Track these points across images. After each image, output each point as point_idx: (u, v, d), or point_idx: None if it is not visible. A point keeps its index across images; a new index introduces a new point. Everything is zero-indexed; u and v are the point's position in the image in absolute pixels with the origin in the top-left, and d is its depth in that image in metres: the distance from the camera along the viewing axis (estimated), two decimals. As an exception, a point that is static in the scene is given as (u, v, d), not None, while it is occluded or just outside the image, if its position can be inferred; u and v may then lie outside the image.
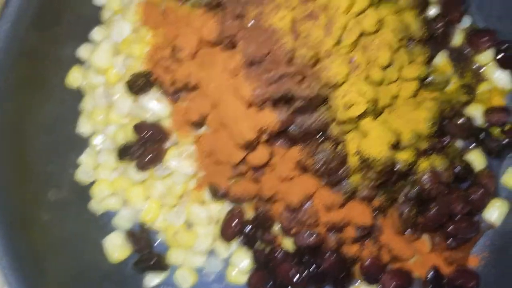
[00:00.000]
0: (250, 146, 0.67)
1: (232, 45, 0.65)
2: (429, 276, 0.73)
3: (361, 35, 0.67)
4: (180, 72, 0.69)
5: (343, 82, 0.64)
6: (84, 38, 0.82)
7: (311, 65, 0.63)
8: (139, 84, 0.72)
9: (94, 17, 0.83)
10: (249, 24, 0.63)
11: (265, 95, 0.62)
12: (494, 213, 0.78)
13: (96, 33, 0.81)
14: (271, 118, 0.63)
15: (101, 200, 0.80)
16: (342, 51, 0.66)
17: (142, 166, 0.74)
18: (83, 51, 0.81)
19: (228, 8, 0.64)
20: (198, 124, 0.72)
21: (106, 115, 0.79)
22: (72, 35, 0.81)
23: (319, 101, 0.63)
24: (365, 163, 0.68)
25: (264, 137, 0.66)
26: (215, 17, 0.67)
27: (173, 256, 0.78)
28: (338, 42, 0.65)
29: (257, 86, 0.62)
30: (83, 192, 0.81)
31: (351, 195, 0.70)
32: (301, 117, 0.65)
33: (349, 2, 0.64)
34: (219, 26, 0.65)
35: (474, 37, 0.83)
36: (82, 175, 0.81)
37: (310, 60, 0.62)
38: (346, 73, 0.64)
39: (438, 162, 0.72)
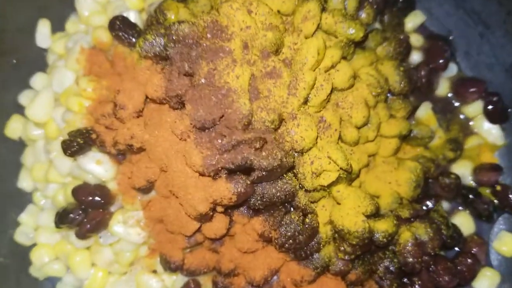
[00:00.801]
0: (205, 218, 0.58)
1: (180, 104, 0.57)
2: None
3: (332, 92, 0.59)
4: (122, 132, 0.60)
5: (311, 147, 0.56)
6: (26, 83, 0.74)
7: (272, 130, 0.55)
8: (75, 145, 0.62)
9: (38, 61, 0.75)
10: (200, 81, 0.55)
11: (218, 164, 0.53)
12: (485, 284, 0.70)
13: (37, 80, 0.73)
14: (227, 190, 0.54)
15: (42, 266, 0.71)
16: (311, 111, 0.58)
17: (83, 235, 0.65)
18: (24, 98, 0.73)
19: (176, 63, 0.56)
20: (145, 189, 0.63)
21: (47, 172, 0.70)
22: (13, 81, 0.74)
23: (282, 170, 0.55)
24: (339, 234, 0.60)
25: (220, 208, 0.58)
26: (162, 72, 0.58)
27: (122, 333, 0.69)
28: (305, 102, 0.57)
29: (209, 154, 0.53)
30: (25, 255, 0.72)
31: (323, 270, 0.62)
32: (262, 187, 0.56)
33: (317, 57, 0.56)
34: (166, 83, 0.57)
35: (461, 87, 0.77)
36: (22, 236, 0.73)
37: (272, 124, 0.54)
38: (315, 136, 0.56)
39: (421, 230, 0.64)
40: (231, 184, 0.54)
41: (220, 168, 0.53)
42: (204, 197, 0.55)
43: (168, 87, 0.55)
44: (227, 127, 0.53)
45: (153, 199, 0.64)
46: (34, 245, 0.72)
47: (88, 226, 0.64)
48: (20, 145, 0.74)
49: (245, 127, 0.53)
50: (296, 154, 0.57)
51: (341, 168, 0.56)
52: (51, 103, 0.68)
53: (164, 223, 0.63)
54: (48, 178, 0.69)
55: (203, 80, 0.54)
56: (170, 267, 0.64)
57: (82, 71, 0.67)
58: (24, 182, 0.73)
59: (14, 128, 0.73)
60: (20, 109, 0.74)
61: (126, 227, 0.65)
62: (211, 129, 0.54)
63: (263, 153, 0.53)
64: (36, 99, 0.69)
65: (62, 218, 0.65)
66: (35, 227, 0.72)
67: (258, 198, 0.56)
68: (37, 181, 0.71)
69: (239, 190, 0.54)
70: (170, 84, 0.55)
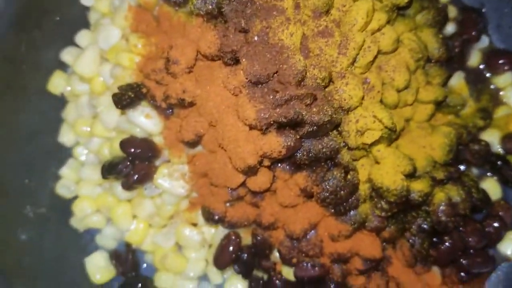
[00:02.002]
0: (251, 171, 0.61)
1: (234, 61, 0.59)
2: (438, 313, 0.68)
3: (377, 54, 0.61)
4: (174, 87, 0.62)
5: (357, 106, 0.59)
6: (68, 40, 0.76)
7: (323, 87, 0.57)
8: (127, 99, 0.64)
9: (80, 19, 0.77)
10: (254, 39, 0.56)
11: (271, 118, 0.55)
12: (510, 246, 0.73)
13: (82, 37, 0.74)
14: (277, 143, 0.56)
15: (83, 218, 0.74)
16: (357, 71, 0.60)
17: (129, 186, 0.68)
18: (67, 55, 0.75)
19: (231, 20, 0.58)
20: (193, 143, 0.65)
21: (91, 126, 0.72)
22: (55, 38, 0.76)
23: (331, 126, 0.57)
24: (377, 193, 0.63)
25: (267, 162, 0.60)
26: (216, 29, 0.60)
27: (161, 281, 0.73)
28: (352, 62, 0.59)
29: (262, 108, 0.55)
30: (64, 208, 0.75)
31: (359, 226, 0.65)
32: (309, 143, 0.58)
33: (366, 19, 0.59)
34: (220, 39, 0.59)
35: (492, 58, 0.79)
36: (63, 189, 0.75)
37: (322, 82, 0.56)
38: (361, 96, 0.58)
39: (454, 193, 0.67)
40: (281, 138, 0.57)
41: (272, 122, 0.56)
42: (254, 150, 0.58)
43: (224, 43, 0.57)
44: (280, 83, 0.55)
45: (198, 154, 0.66)
46: (74, 197, 0.75)
47: (136, 177, 0.66)
48: (60, 101, 0.76)
49: (298, 83, 0.55)
50: (342, 113, 0.59)
51: (386, 127, 0.59)
52: (97, 59, 0.70)
53: (208, 177, 0.65)
54: (93, 132, 0.71)
55: (256, 38, 0.56)
56: (213, 219, 0.67)
57: (129, 29, 0.69)
58: (65, 137, 0.76)
59: (57, 83, 0.75)
60: (61, 66, 0.76)
61: (171, 180, 0.67)
62: (264, 85, 0.56)
63: (314, 109, 0.55)
64: (83, 54, 0.71)
65: (110, 169, 0.67)
66: (76, 180, 0.75)
67: (305, 153, 0.59)
68: (80, 136, 0.74)
69: (288, 143, 0.57)
70: (225, 40, 0.57)
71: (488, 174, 0.75)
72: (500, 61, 0.78)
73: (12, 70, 0.72)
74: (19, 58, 0.72)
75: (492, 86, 0.79)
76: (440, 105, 0.71)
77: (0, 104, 0.70)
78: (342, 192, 0.61)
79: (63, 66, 0.76)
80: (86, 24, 0.76)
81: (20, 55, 0.72)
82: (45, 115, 0.75)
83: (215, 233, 0.71)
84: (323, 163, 0.61)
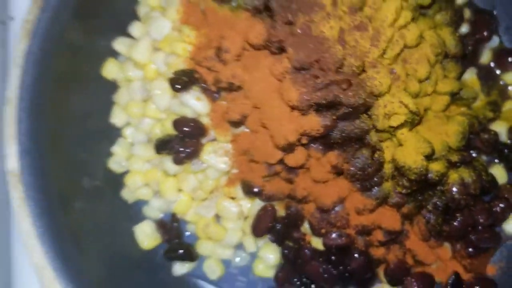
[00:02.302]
0: (289, 148, 0.69)
1: (279, 50, 0.67)
2: (449, 281, 0.76)
3: (403, 48, 0.70)
4: (224, 72, 0.70)
5: (386, 92, 0.67)
6: (120, 31, 0.83)
7: (357, 74, 0.65)
8: (181, 82, 0.73)
9: (130, 12, 0.84)
10: (299, 31, 0.65)
11: (312, 100, 0.64)
12: (514, 225, 0.81)
13: (135, 28, 0.82)
14: (315, 123, 0.65)
15: (133, 190, 0.82)
16: (385, 62, 0.69)
17: (180, 160, 0.76)
18: (119, 44, 0.83)
19: (279, 14, 0.66)
20: (237, 123, 0.74)
21: (142, 108, 0.80)
22: (108, 28, 0.83)
23: (363, 109, 0.66)
24: (399, 172, 0.71)
25: (304, 140, 0.69)
26: (263, 22, 0.69)
27: (202, 248, 0.81)
28: (382, 54, 0.67)
29: (304, 91, 0.64)
30: (116, 181, 0.83)
31: (382, 201, 0.73)
32: (343, 124, 0.67)
33: (395, 15, 0.67)
34: (267, 30, 0.67)
35: (502, 57, 0.86)
36: (115, 165, 0.83)
37: (357, 69, 0.65)
38: (389, 84, 0.67)
39: (466, 174, 0.75)
40: (319, 118, 0.65)
41: (312, 104, 0.64)
42: (295, 128, 0.66)
43: (271, 34, 0.65)
44: (321, 69, 0.64)
45: (241, 133, 0.75)
46: (125, 172, 0.83)
47: (186, 153, 0.75)
48: (112, 85, 0.85)
49: (336, 70, 0.64)
50: (373, 97, 0.67)
51: (410, 111, 0.67)
52: (150, 47, 0.78)
53: (250, 154, 0.73)
54: (145, 113, 0.80)
55: (299, 30, 0.65)
56: (252, 191, 0.75)
57: (179, 21, 0.77)
58: (116, 118, 0.84)
59: (110, 69, 0.83)
60: (114, 54, 0.84)
61: (216, 156, 0.76)
62: (306, 71, 0.65)
63: (350, 93, 0.64)
64: (138, 43, 0.79)
65: (163, 146, 0.75)
66: (127, 157, 0.83)
67: (339, 132, 0.67)
68: (131, 117, 0.82)
69: (326, 123, 0.65)
70: (273, 31, 0.65)
71: (496, 161, 0.83)
72: (509, 60, 0.86)
73: (71, 57, 0.78)
74: (77, 45, 0.79)
75: (501, 82, 0.87)
76: (454, 97, 0.80)
77: (60, 87, 0.77)
78: (369, 169, 0.70)
79: (115, 54, 0.84)
80: (134, 16, 0.84)
81: (78, 43, 0.79)
82: (98, 98, 0.83)
83: (251, 206, 0.79)
84: (353, 143, 0.70)
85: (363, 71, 0.66)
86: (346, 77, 0.64)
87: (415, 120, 0.69)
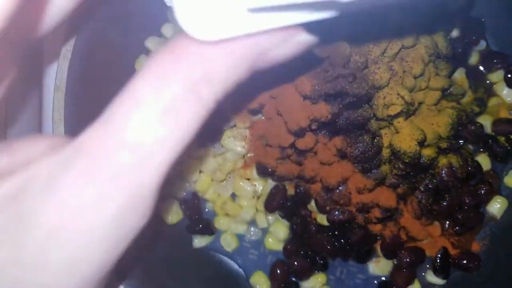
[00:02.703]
0: (301, 133, 0.79)
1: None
2: (438, 255, 0.86)
3: (401, 48, 0.80)
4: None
5: (385, 86, 0.77)
6: (153, 32, 0.94)
7: (361, 69, 0.76)
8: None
9: (163, 15, 0.95)
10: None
11: (323, 90, 0.74)
12: (496, 207, 0.91)
13: (167, 28, 0.92)
14: (325, 110, 0.75)
15: (159, 171, 0.92)
16: (385, 60, 0.79)
17: (202, 143, 0.86)
18: (150, 43, 0.93)
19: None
20: (255, 111, 0.84)
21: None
22: (143, 28, 0.93)
23: (365, 99, 0.76)
24: (395, 156, 0.81)
25: (314, 126, 0.79)
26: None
27: (220, 223, 0.90)
28: (383, 53, 0.78)
29: (315, 82, 0.74)
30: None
31: (380, 182, 0.83)
32: (348, 112, 0.77)
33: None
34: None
35: (488, 59, 0.96)
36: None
37: (362, 65, 0.75)
38: (388, 78, 0.77)
39: (454, 160, 0.85)
40: (328, 106, 0.75)
41: (322, 94, 0.75)
42: (306, 115, 0.76)
43: None
44: (330, 64, 0.74)
45: (258, 120, 0.85)
46: (151, 155, 0.93)
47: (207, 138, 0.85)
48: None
49: (344, 65, 0.74)
50: (374, 89, 0.78)
51: (406, 102, 0.78)
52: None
53: (265, 139, 0.84)
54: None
55: (312, 31, 0.76)
56: (267, 171, 0.85)
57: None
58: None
59: (143, 64, 0.93)
60: (145, 51, 0.94)
61: (235, 140, 0.86)
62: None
63: (355, 85, 0.74)
64: (167, 41, 0.89)
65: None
66: (154, 141, 0.93)
67: (344, 119, 0.78)
68: (159, 105, 0.92)
69: (334, 110, 0.75)
70: None
71: (481, 150, 0.94)
72: (494, 61, 0.96)
73: (110, 52, 0.88)
74: (116, 42, 0.89)
75: (487, 81, 0.98)
76: (445, 92, 0.90)
77: (100, 77, 0.87)
78: (369, 152, 0.80)
79: (146, 51, 0.94)
80: (166, 19, 0.94)
81: (117, 41, 0.89)
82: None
83: (264, 186, 0.89)
84: (356, 130, 0.80)
85: (366, 67, 0.77)
86: (352, 71, 0.74)
87: (410, 110, 0.80)
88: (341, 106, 0.76)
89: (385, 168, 0.83)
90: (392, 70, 0.80)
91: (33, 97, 0.94)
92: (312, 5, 0.42)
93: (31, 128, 0.84)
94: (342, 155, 0.82)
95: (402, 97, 0.77)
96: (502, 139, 0.94)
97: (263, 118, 0.84)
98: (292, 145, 0.82)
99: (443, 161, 0.84)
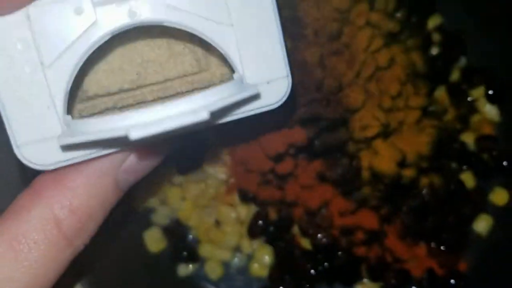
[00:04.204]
0: (279, 158, 0.79)
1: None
2: (425, 276, 0.85)
3: (376, 69, 0.80)
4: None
5: (360, 108, 0.77)
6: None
7: (335, 93, 0.76)
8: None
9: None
10: (285, 57, 0.76)
11: (297, 115, 0.74)
12: (481, 225, 0.90)
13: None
14: (301, 134, 0.75)
15: (143, 199, 0.92)
16: (360, 82, 0.79)
17: (183, 171, 0.86)
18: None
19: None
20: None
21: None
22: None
23: (340, 122, 0.76)
24: (375, 177, 0.81)
25: (291, 151, 0.79)
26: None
27: (204, 250, 0.90)
28: (357, 75, 0.78)
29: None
30: (128, 192, 0.92)
31: (362, 204, 0.83)
32: (324, 135, 0.77)
33: (368, 42, 0.78)
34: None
35: (469, 75, 0.96)
36: (126, 177, 0.93)
37: (335, 89, 0.75)
38: (363, 100, 0.77)
39: (436, 179, 0.85)
40: (304, 130, 0.76)
41: (298, 118, 0.75)
42: (283, 140, 0.77)
43: None
44: (303, 89, 0.75)
45: (237, 146, 0.85)
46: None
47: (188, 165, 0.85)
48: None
49: (317, 89, 0.74)
50: (349, 112, 0.78)
51: (382, 124, 0.78)
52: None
53: (245, 164, 0.84)
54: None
55: (286, 56, 0.76)
56: (248, 197, 0.85)
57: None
58: (127, 135, 0.95)
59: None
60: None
61: (215, 167, 0.86)
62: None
63: (329, 109, 0.75)
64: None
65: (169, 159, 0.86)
66: (137, 169, 0.93)
67: (321, 143, 0.78)
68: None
69: (309, 134, 0.75)
70: None
71: (464, 167, 0.93)
72: (475, 77, 0.96)
73: None
74: None
75: (469, 98, 0.98)
76: (426, 111, 0.90)
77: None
78: (348, 175, 0.80)
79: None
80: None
81: None
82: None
83: (247, 212, 0.89)
84: (334, 153, 0.80)
85: (340, 90, 0.77)
86: (326, 95, 0.74)
87: (387, 131, 0.80)
88: (317, 130, 0.76)
89: (366, 189, 0.82)
90: (368, 92, 0.80)
91: None
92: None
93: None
94: (322, 178, 0.82)
95: (377, 119, 0.77)
96: (485, 156, 0.93)
97: (242, 143, 0.84)
98: (272, 170, 0.82)
99: (424, 181, 0.84)
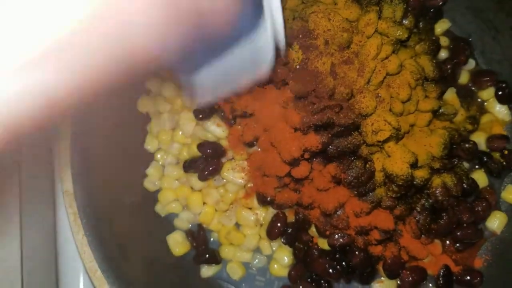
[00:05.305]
0: (295, 163, 0.83)
1: (282, 84, 0.82)
2: (441, 273, 0.88)
3: (386, 76, 0.84)
4: (239, 103, 0.85)
5: (372, 113, 0.81)
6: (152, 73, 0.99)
7: (347, 99, 0.80)
8: (204, 112, 0.88)
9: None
10: (297, 67, 0.80)
11: (311, 122, 0.78)
12: (495, 222, 0.93)
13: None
14: (315, 140, 0.79)
15: (165, 205, 0.96)
16: (371, 88, 0.83)
17: (204, 177, 0.91)
18: (151, 83, 0.99)
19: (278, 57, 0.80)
20: (251, 144, 0.88)
21: (171, 135, 0.96)
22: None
23: (353, 127, 0.80)
24: (389, 179, 0.84)
25: (306, 155, 0.82)
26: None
27: (225, 252, 0.94)
28: (368, 82, 0.81)
29: (304, 115, 0.78)
30: (151, 198, 0.97)
31: (376, 205, 0.86)
32: (338, 140, 0.81)
33: (377, 50, 0.81)
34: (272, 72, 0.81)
35: (478, 77, 0.99)
36: (149, 184, 0.98)
37: (347, 96, 0.79)
38: (374, 106, 0.81)
39: (448, 179, 0.87)
40: (317, 136, 0.79)
41: (311, 125, 0.78)
42: (298, 146, 0.80)
43: (274, 75, 0.79)
44: (316, 97, 0.78)
45: (254, 152, 0.89)
46: (157, 190, 0.98)
47: (209, 169, 0.89)
48: (145, 117, 1.00)
49: (329, 97, 0.78)
50: (361, 118, 0.81)
51: (393, 128, 0.81)
52: (178, 85, 0.94)
53: (262, 169, 0.87)
54: (174, 139, 0.95)
55: (298, 66, 0.80)
56: (266, 201, 0.89)
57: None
58: (149, 145, 0.99)
59: (144, 104, 0.99)
60: (146, 91, 1.00)
61: (234, 172, 0.90)
62: (305, 99, 0.79)
63: (341, 115, 0.78)
64: (167, 83, 0.95)
65: (190, 165, 0.90)
66: (159, 177, 0.98)
67: (334, 148, 0.81)
68: (162, 143, 0.97)
69: (323, 140, 0.79)
70: (275, 73, 0.79)
71: (477, 167, 0.96)
72: (484, 79, 0.98)
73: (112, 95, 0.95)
74: (117, 85, 0.95)
75: (478, 99, 1.00)
76: (436, 114, 0.93)
77: (104, 120, 0.93)
78: (362, 177, 0.83)
79: (147, 91, 1.00)
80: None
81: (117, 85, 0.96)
82: (135, 128, 0.99)
83: (266, 214, 0.93)
84: (348, 156, 0.83)
85: (352, 96, 0.80)
86: (338, 102, 0.78)
87: (399, 135, 0.83)
88: (330, 135, 0.79)
89: (380, 191, 0.85)
90: (379, 97, 0.83)
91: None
92: None
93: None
94: (337, 181, 0.85)
95: (389, 123, 0.80)
96: (497, 155, 0.96)
97: (258, 149, 0.88)
98: (289, 174, 0.86)
99: (437, 181, 0.87)
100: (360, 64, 0.81)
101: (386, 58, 0.84)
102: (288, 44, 0.81)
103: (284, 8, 0.91)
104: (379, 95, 0.83)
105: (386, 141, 0.83)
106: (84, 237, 0.84)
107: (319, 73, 0.78)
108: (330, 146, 0.81)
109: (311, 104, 0.79)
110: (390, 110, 0.84)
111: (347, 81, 0.80)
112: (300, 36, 0.81)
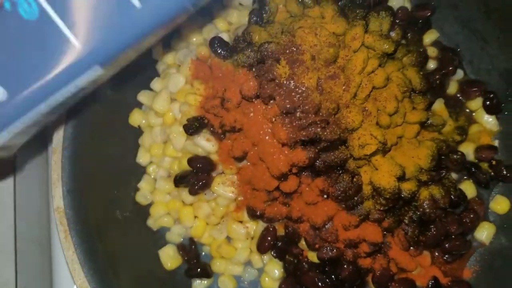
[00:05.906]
0: (283, 177, 0.84)
1: (270, 100, 0.83)
2: (429, 285, 0.89)
3: (372, 89, 0.84)
4: (228, 118, 0.85)
5: (358, 127, 0.81)
6: (143, 86, 1.00)
7: (333, 114, 0.80)
8: (193, 127, 0.89)
9: (152, 69, 1.01)
10: (284, 82, 0.80)
11: (297, 138, 0.78)
12: (483, 233, 0.93)
13: (155, 83, 0.98)
14: (302, 155, 0.79)
15: (157, 218, 0.97)
16: (357, 102, 0.83)
17: (194, 192, 0.91)
18: (141, 97, 0.99)
19: (262, 75, 0.81)
20: (240, 158, 0.89)
21: (163, 149, 0.96)
22: (134, 83, 0.99)
23: (340, 142, 0.80)
24: (376, 192, 0.85)
25: (294, 170, 0.83)
26: (255, 77, 0.83)
27: (216, 266, 0.95)
28: (354, 96, 0.82)
29: (291, 130, 0.79)
30: (143, 212, 0.98)
31: (364, 217, 0.86)
32: (325, 155, 0.81)
33: (363, 65, 0.82)
34: (258, 86, 0.81)
35: (466, 87, 1.00)
36: (141, 197, 0.99)
37: (333, 111, 0.79)
38: (361, 120, 0.81)
39: (436, 191, 0.88)
40: (304, 152, 0.80)
41: (298, 140, 0.79)
42: (286, 161, 0.81)
43: (262, 90, 0.80)
44: (303, 113, 0.79)
45: (244, 166, 0.90)
46: (149, 204, 0.99)
47: (199, 184, 0.90)
48: (137, 131, 1.01)
49: (316, 112, 0.78)
50: (347, 132, 0.82)
51: (379, 142, 0.81)
52: (168, 99, 0.95)
53: (251, 183, 0.88)
54: (165, 153, 0.95)
55: (285, 81, 0.80)
56: (256, 214, 0.89)
57: (191, 76, 0.94)
58: (141, 158, 1.00)
59: (135, 118, 1.00)
60: (138, 105, 1.01)
61: (224, 186, 0.91)
62: (291, 114, 0.80)
63: (327, 130, 0.79)
64: (158, 96, 0.95)
65: (181, 180, 0.91)
66: (151, 191, 0.98)
67: (322, 162, 0.82)
68: (154, 156, 0.98)
69: (310, 155, 0.79)
70: (262, 88, 0.80)
71: (465, 177, 0.96)
72: (472, 89, 0.99)
73: (103, 109, 0.94)
74: (108, 99, 0.95)
75: (467, 109, 1.01)
76: (424, 125, 0.93)
77: (95, 135, 0.94)
78: (350, 191, 0.83)
79: (139, 105, 1.01)
80: (155, 73, 1.01)
81: (109, 97, 0.95)
82: (126, 142, 1.00)
83: (256, 228, 0.93)
84: (335, 170, 0.84)
85: (338, 111, 0.81)
86: (324, 117, 0.79)
87: (385, 148, 0.83)
88: (317, 150, 0.80)
89: (368, 204, 0.86)
90: (366, 111, 0.84)
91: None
92: None
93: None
94: (325, 194, 0.85)
95: (375, 137, 0.81)
96: (485, 165, 0.96)
97: (248, 164, 0.89)
98: (278, 188, 0.87)
99: (424, 193, 0.87)
100: (346, 78, 0.81)
101: (373, 71, 0.85)
102: (276, 60, 0.81)
103: (273, 22, 0.92)
104: (366, 108, 0.84)
105: (373, 154, 0.84)
106: (75, 254, 0.85)
107: (306, 89, 0.79)
108: (317, 161, 0.82)
109: (297, 120, 0.79)
110: (377, 123, 0.85)
111: (333, 96, 0.80)
112: (287, 51, 0.82)
